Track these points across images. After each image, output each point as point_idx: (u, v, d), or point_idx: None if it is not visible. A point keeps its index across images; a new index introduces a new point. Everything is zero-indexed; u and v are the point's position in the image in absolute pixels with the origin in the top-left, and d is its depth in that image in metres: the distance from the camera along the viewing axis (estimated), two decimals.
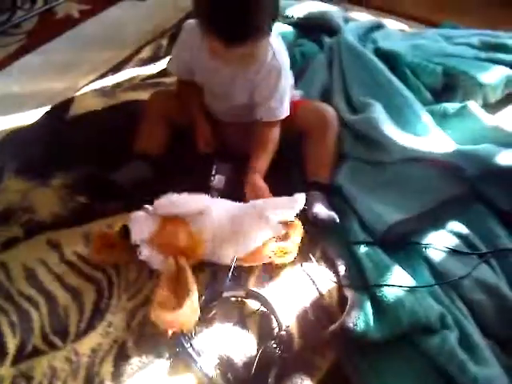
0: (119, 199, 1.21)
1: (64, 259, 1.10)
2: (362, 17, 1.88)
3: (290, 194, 1.14)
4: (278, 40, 1.20)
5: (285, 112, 1.24)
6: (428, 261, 1.11)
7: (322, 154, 1.25)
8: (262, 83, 1.19)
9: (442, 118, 1.35)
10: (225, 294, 1.03)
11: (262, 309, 1.03)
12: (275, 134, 1.25)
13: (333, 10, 1.87)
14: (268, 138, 1.24)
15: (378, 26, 1.74)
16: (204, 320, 1.01)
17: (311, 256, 1.13)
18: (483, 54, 1.58)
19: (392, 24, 1.84)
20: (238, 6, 0.97)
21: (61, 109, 1.46)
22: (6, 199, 1.22)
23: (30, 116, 1.48)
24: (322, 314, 1.04)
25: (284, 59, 1.21)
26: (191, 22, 1.21)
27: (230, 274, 1.03)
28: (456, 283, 1.06)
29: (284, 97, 1.22)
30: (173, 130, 1.32)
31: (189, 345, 0.96)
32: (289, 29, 1.69)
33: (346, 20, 1.77)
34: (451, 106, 1.37)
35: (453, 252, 1.12)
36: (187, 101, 1.31)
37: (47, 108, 1.48)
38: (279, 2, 1.06)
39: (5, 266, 1.09)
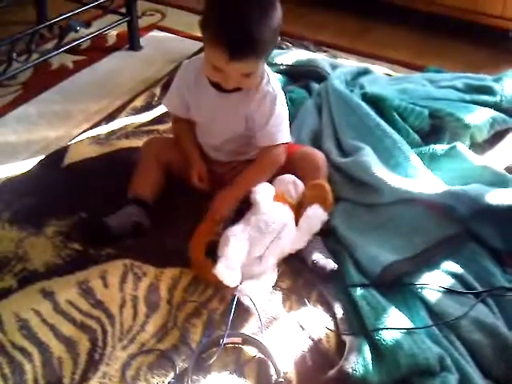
0: (113, 245, 1.21)
1: (57, 308, 1.09)
2: (349, 63, 1.94)
3: None
4: (273, 78, 1.25)
5: (285, 137, 1.24)
6: (424, 301, 1.11)
7: None
8: (257, 109, 1.21)
9: (431, 160, 1.37)
10: (222, 341, 1.02)
11: (260, 355, 1.02)
12: (276, 156, 1.24)
13: (320, 56, 1.93)
14: (266, 160, 1.24)
15: (365, 72, 1.79)
16: (201, 368, 0.99)
17: (307, 300, 1.12)
18: (467, 97, 1.63)
19: (378, 69, 1.90)
20: (247, 18, 1.05)
21: (55, 157, 1.47)
22: None
23: (25, 165, 1.49)
24: (320, 359, 1.02)
25: (279, 89, 1.24)
26: (189, 60, 1.30)
27: (231, 317, 1.03)
28: (453, 324, 1.06)
29: (282, 122, 1.24)
30: (168, 175, 1.33)
31: None
32: (278, 76, 1.74)
33: (333, 66, 1.83)
34: (440, 148, 1.41)
35: (449, 292, 1.12)
36: (182, 138, 1.33)
37: (42, 156, 1.49)
38: (279, 32, 1.12)
39: None
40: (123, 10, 2.06)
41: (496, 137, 1.59)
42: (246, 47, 1.06)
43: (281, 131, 1.24)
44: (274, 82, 1.24)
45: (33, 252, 1.21)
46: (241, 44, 1.05)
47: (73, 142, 1.56)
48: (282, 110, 1.24)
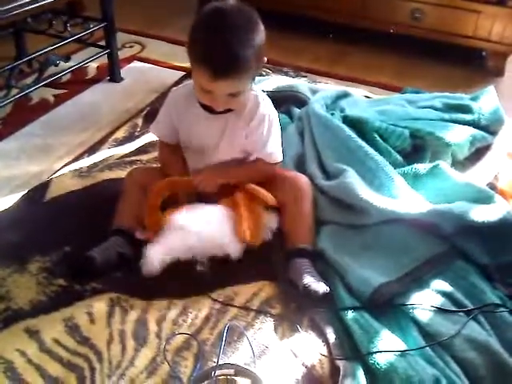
0: (99, 278, 1.19)
1: (43, 348, 1.06)
2: (328, 87, 1.96)
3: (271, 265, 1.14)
4: (269, 101, 1.29)
5: (280, 156, 1.31)
6: (416, 322, 1.10)
7: (301, 222, 1.26)
8: (255, 131, 1.25)
9: (414, 179, 1.39)
10: (214, 374, 0.99)
11: None
12: (267, 170, 1.31)
13: (299, 82, 1.96)
14: (256, 168, 1.30)
15: (345, 95, 1.82)
16: None
17: (299, 326, 1.11)
18: (446, 116, 1.66)
19: (357, 92, 1.93)
20: (229, 37, 1.09)
21: (37, 192, 1.45)
22: None
23: (7, 201, 1.46)
24: None
25: (275, 112, 1.30)
26: (177, 87, 1.35)
27: (222, 348, 1.01)
28: (447, 343, 1.05)
29: (278, 142, 1.30)
30: None
31: None
32: None
33: (313, 91, 1.85)
34: (422, 167, 1.42)
35: (440, 311, 1.11)
36: (168, 165, 1.34)
37: (23, 192, 1.47)
38: (264, 50, 1.16)
39: None
40: (103, 43, 2.07)
41: (476, 154, 1.62)
42: (229, 65, 1.09)
43: (277, 151, 1.30)
44: (270, 105, 1.28)
45: (17, 290, 1.18)
46: (223, 61, 1.09)
47: (55, 175, 1.54)
48: (278, 131, 1.30)
